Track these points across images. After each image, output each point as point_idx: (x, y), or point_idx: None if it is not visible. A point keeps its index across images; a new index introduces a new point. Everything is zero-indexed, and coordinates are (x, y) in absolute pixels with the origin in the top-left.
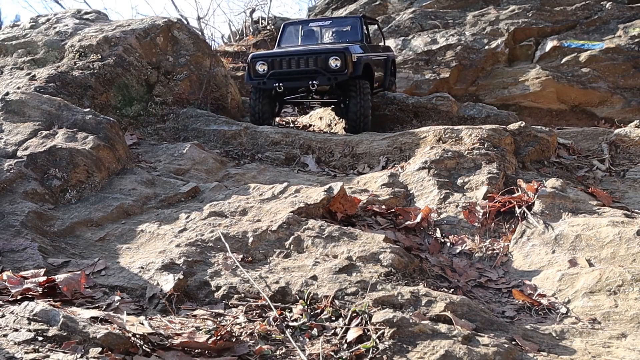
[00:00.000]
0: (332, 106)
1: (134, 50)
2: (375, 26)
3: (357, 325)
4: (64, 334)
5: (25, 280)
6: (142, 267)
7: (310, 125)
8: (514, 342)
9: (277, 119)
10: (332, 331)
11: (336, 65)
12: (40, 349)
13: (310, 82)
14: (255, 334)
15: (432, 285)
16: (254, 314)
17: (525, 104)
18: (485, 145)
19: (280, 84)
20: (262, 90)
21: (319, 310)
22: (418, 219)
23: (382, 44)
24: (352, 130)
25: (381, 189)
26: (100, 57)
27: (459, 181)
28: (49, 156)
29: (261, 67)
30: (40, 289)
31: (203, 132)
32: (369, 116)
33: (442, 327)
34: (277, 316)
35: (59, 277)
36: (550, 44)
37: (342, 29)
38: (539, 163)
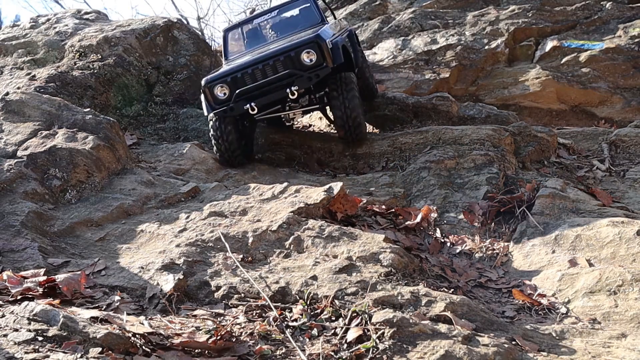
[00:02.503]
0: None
1: (134, 50)
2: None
3: (357, 325)
4: (64, 334)
5: (25, 280)
6: (142, 267)
7: (310, 126)
8: (514, 342)
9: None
10: (332, 331)
11: (311, 60)
12: (40, 349)
13: (288, 90)
14: (255, 334)
15: (432, 285)
16: (254, 314)
17: (525, 104)
18: (485, 145)
19: (253, 104)
20: (224, 119)
21: (319, 310)
22: (418, 219)
23: (329, 16)
24: (345, 138)
25: (381, 189)
26: (100, 57)
27: (459, 181)
28: (49, 156)
29: (221, 91)
30: (40, 289)
31: (203, 132)
32: (360, 117)
33: (442, 327)
34: (277, 316)
35: (59, 277)
36: (550, 44)
37: (294, 15)
38: (539, 163)
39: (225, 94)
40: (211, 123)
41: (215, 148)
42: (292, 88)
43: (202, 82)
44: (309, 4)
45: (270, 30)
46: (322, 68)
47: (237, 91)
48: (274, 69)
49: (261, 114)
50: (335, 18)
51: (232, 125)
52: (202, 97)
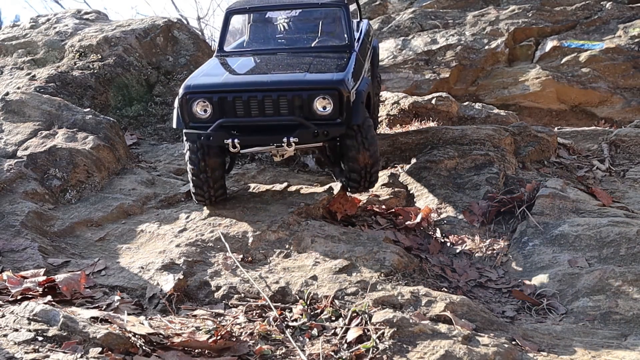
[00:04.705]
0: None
1: (134, 50)
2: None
3: (357, 325)
4: (64, 334)
5: (25, 280)
6: (142, 267)
7: None
8: (514, 342)
9: None
10: (332, 331)
11: (325, 109)
12: (40, 349)
13: (285, 140)
14: (255, 334)
15: (432, 285)
16: (254, 314)
17: (525, 104)
18: (485, 145)
19: (236, 141)
20: (207, 146)
21: (319, 310)
22: (418, 219)
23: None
24: (356, 190)
25: (381, 189)
26: (100, 57)
27: (459, 181)
28: (49, 156)
29: (202, 108)
30: (40, 289)
31: None
32: (378, 164)
33: (442, 327)
34: (277, 316)
35: (59, 277)
36: (550, 44)
37: (318, 20)
38: (539, 163)
39: (206, 112)
40: (188, 148)
41: (191, 183)
42: (291, 139)
43: (181, 89)
44: (340, 16)
45: (284, 30)
46: (336, 125)
47: (221, 120)
48: (275, 107)
49: (248, 149)
50: (360, 17)
51: (219, 156)
52: (176, 104)
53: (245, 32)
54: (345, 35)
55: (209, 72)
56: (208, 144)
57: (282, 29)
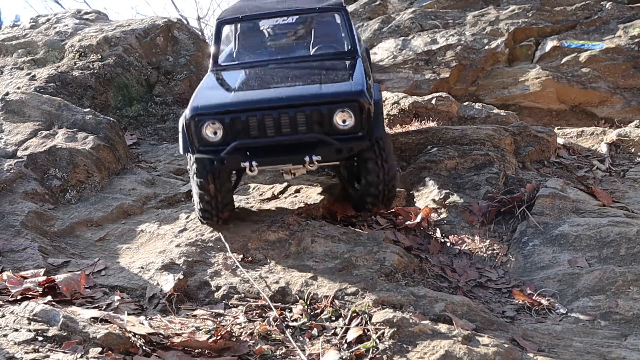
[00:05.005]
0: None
1: (134, 50)
2: None
3: (357, 325)
4: (64, 334)
5: (25, 280)
6: (142, 267)
7: None
8: (514, 342)
9: None
10: (332, 331)
11: (345, 123)
12: (40, 349)
13: (307, 158)
14: (255, 334)
15: (432, 285)
16: (254, 314)
17: (525, 104)
18: (486, 145)
19: (254, 163)
20: (217, 170)
21: (319, 310)
22: (418, 219)
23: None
24: (374, 207)
25: None
26: (100, 57)
27: (459, 181)
28: (49, 156)
29: (212, 130)
30: (40, 289)
31: None
32: (397, 178)
33: (442, 327)
34: (277, 316)
35: (59, 277)
36: (550, 44)
37: (317, 27)
38: (539, 163)
39: (216, 134)
40: (195, 172)
41: (199, 206)
42: (314, 157)
43: (187, 112)
44: (340, 20)
45: (277, 37)
46: (358, 139)
47: (236, 143)
48: (292, 124)
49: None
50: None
51: (228, 177)
52: (180, 127)
53: (234, 40)
54: (348, 41)
55: (213, 91)
56: (222, 168)
57: (276, 36)
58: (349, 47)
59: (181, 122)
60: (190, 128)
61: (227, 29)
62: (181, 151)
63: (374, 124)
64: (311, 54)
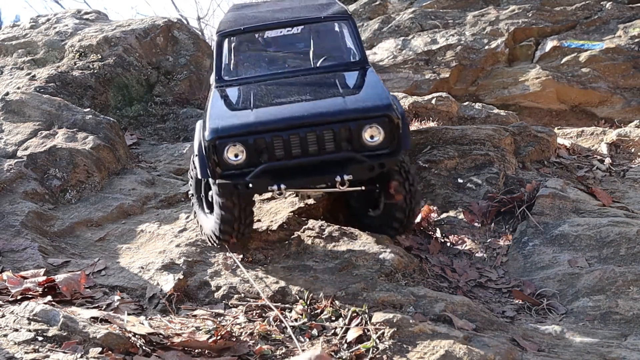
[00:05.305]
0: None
1: (134, 50)
2: None
3: (357, 325)
4: (64, 334)
5: (25, 280)
6: (142, 267)
7: None
8: (514, 342)
9: None
10: (332, 331)
11: (373, 139)
12: (40, 349)
13: (338, 178)
14: (255, 334)
15: (432, 285)
16: (254, 314)
17: (525, 104)
18: (486, 145)
19: (283, 186)
20: (241, 193)
21: (319, 310)
22: (418, 219)
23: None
24: (396, 231)
25: None
26: (100, 57)
27: (459, 181)
28: (49, 156)
29: (235, 153)
30: (40, 289)
31: None
32: (420, 199)
33: (442, 327)
34: (277, 316)
35: (59, 277)
36: (550, 44)
37: (322, 37)
38: (539, 163)
39: (237, 156)
40: (220, 196)
41: (220, 227)
42: (345, 177)
43: (207, 134)
44: (347, 29)
45: (283, 48)
46: (387, 155)
47: (264, 165)
48: (320, 142)
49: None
50: None
51: (250, 199)
52: (196, 151)
53: (233, 52)
54: (357, 50)
55: (229, 111)
56: (248, 192)
57: (278, 47)
58: (359, 57)
59: (196, 145)
60: (211, 152)
61: (236, 45)
62: (200, 176)
63: (403, 138)
64: (318, 65)
